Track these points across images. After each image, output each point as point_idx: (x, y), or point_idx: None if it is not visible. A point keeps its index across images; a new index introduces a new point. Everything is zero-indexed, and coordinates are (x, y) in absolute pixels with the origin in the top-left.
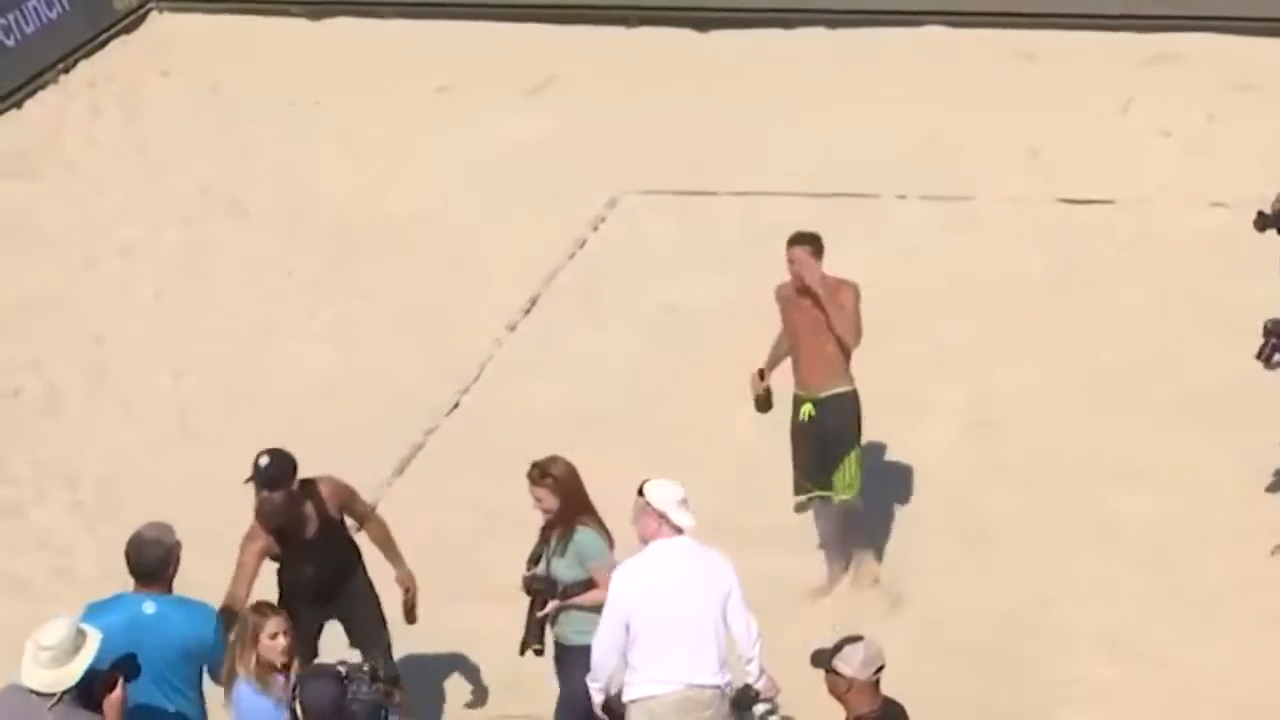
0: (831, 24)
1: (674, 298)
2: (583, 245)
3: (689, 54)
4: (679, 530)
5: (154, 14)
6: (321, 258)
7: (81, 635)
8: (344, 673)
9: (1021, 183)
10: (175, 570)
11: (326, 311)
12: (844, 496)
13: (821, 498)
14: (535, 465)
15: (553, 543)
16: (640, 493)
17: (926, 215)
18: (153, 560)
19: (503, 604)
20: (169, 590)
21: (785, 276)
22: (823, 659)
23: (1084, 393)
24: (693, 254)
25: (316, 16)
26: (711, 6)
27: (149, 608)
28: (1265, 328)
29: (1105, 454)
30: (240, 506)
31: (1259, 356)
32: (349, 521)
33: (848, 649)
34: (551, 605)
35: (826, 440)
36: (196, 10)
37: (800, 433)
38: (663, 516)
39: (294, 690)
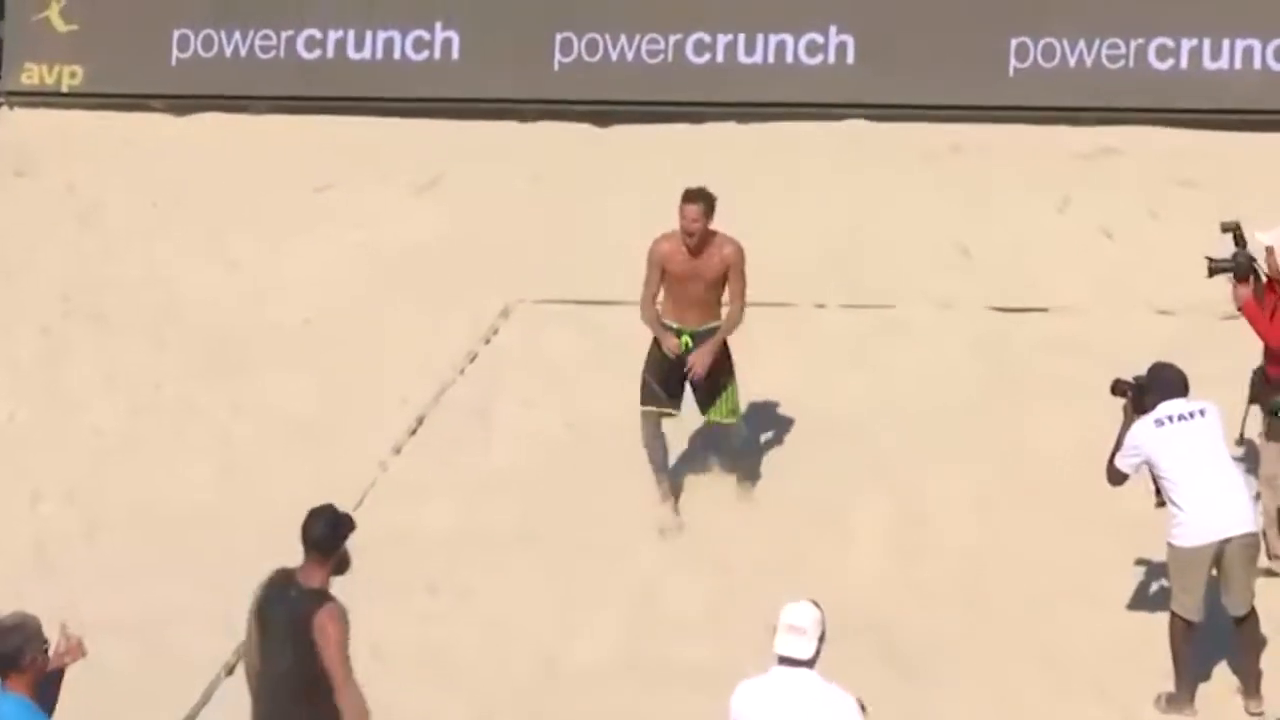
0: (743, 118)
1: (572, 414)
2: (474, 359)
3: (588, 151)
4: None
5: (4, 110)
6: (192, 370)
7: None
8: None
9: (951, 287)
10: (43, 662)
11: (197, 429)
12: (728, 421)
13: (668, 415)
14: None
15: None
16: None
17: (849, 323)
18: (10, 648)
19: None
20: (33, 683)
21: None
22: None
23: (1019, 507)
24: (592, 367)
25: (181, 112)
26: (613, 100)
27: None
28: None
29: (1044, 570)
30: (101, 649)
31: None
32: None
33: None
34: None
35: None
36: (51, 106)
37: (670, 359)
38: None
39: None
